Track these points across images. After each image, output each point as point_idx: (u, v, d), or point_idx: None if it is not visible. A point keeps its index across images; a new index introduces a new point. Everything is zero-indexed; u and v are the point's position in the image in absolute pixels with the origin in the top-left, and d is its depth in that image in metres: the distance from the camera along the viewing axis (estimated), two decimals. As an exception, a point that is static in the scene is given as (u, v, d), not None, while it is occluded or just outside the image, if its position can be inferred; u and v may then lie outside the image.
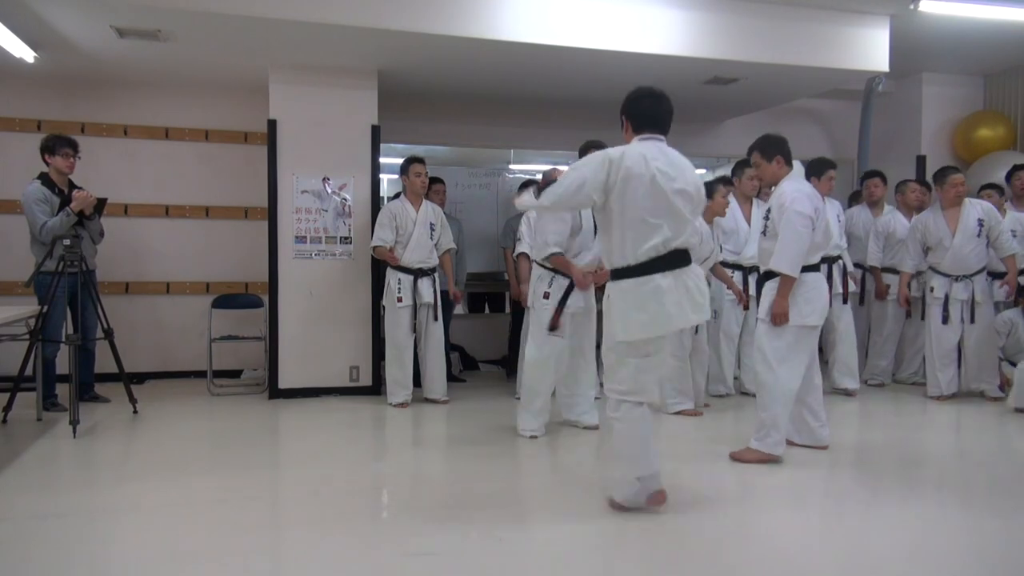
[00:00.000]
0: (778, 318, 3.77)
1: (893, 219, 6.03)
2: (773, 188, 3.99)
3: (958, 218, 5.36)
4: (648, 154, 2.92)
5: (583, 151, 4.15)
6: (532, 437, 4.31)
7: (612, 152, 2.93)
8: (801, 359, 3.86)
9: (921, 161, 7.31)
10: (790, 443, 3.97)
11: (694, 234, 3.07)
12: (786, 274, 3.74)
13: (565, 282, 4.30)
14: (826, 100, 7.17)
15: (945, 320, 5.40)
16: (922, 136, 7.36)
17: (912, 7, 5.34)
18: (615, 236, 2.96)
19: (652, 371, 3.03)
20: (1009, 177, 6.10)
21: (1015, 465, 4.02)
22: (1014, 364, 5.67)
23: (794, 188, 3.84)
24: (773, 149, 3.90)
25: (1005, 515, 3.17)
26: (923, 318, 5.98)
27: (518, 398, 5.51)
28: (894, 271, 5.93)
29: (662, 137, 3.03)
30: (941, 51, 6.63)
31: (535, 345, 4.37)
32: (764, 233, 3.97)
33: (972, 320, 5.38)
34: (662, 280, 2.89)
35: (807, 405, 4.01)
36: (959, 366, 5.57)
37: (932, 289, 5.49)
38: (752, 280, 5.30)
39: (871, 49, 5.66)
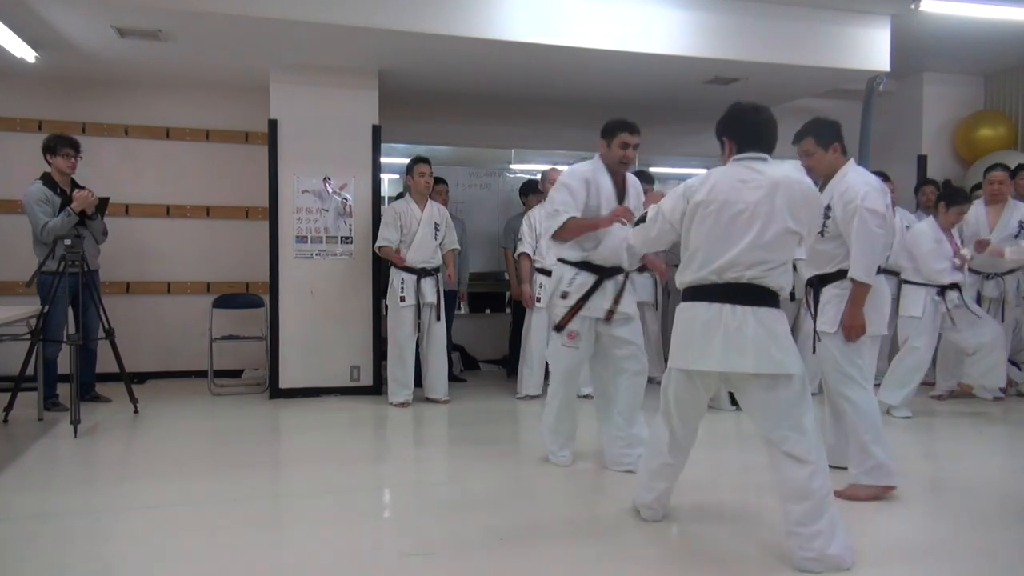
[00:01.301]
0: (853, 331, 3.27)
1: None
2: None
3: (999, 216, 5.36)
4: (729, 177, 2.68)
5: (613, 132, 3.62)
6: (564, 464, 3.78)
7: (692, 181, 2.77)
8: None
9: (922, 161, 7.30)
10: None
11: (775, 268, 2.64)
12: (863, 282, 3.24)
13: (590, 279, 3.61)
14: (827, 100, 7.15)
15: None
16: (923, 135, 7.35)
17: (913, 7, 5.33)
18: (683, 259, 2.80)
19: (678, 406, 2.81)
20: (1012, 176, 6.10)
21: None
22: (1015, 363, 5.66)
23: (863, 182, 3.30)
24: (830, 135, 3.39)
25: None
26: None
27: (519, 398, 5.54)
28: None
29: (764, 156, 2.72)
30: (942, 51, 6.62)
31: (550, 356, 3.82)
32: (822, 233, 3.36)
33: (1003, 319, 5.35)
34: (701, 312, 2.66)
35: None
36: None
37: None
38: None
39: (872, 49, 5.65)
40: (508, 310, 6.90)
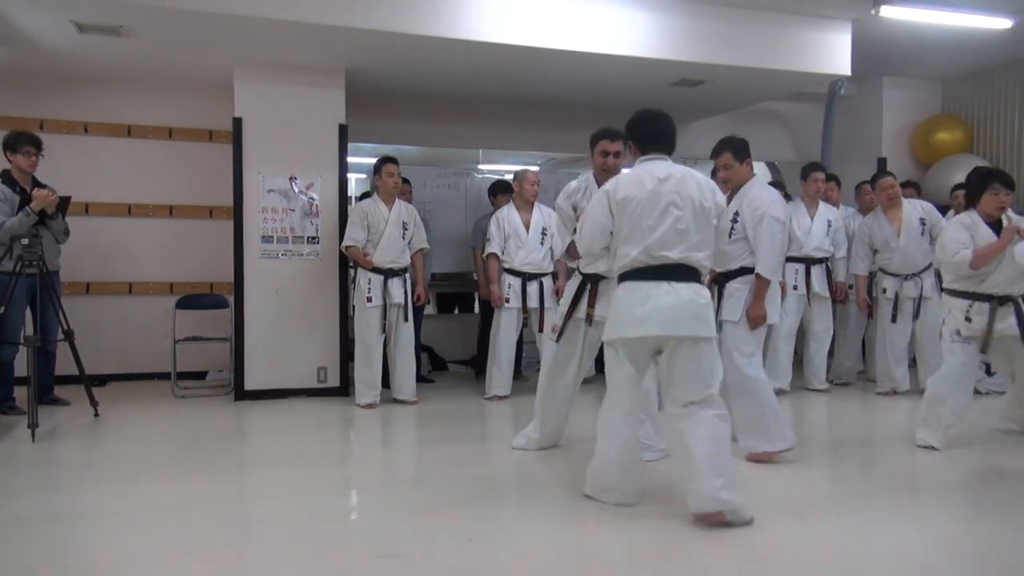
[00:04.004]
0: (758, 320, 3.83)
1: (852, 222, 6.11)
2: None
3: (901, 219, 5.53)
4: (645, 174, 3.09)
5: (593, 141, 3.86)
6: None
7: (607, 186, 3.18)
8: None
9: (882, 163, 7.45)
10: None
11: (700, 248, 3.06)
12: (767, 278, 3.81)
13: (575, 285, 3.95)
14: (790, 102, 7.27)
15: (894, 319, 5.56)
16: (883, 138, 7.52)
17: (873, 12, 5.45)
18: (617, 246, 3.14)
19: (615, 372, 3.17)
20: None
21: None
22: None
23: (769, 194, 3.91)
24: (744, 152, 3.97)
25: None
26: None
27: (487, 399, 5.53)
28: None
29: (665, 156, 3.18)
30: (901, 56, 6.78)
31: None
32: (729, 235, 3.89)
33: (916, 316, 5.55)
34: (642, 288, 3.02)
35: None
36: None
37: (884, 290, 5.64)
38: None
39: (834, 53, 5.76)
40: (477, 310, 6.90)
